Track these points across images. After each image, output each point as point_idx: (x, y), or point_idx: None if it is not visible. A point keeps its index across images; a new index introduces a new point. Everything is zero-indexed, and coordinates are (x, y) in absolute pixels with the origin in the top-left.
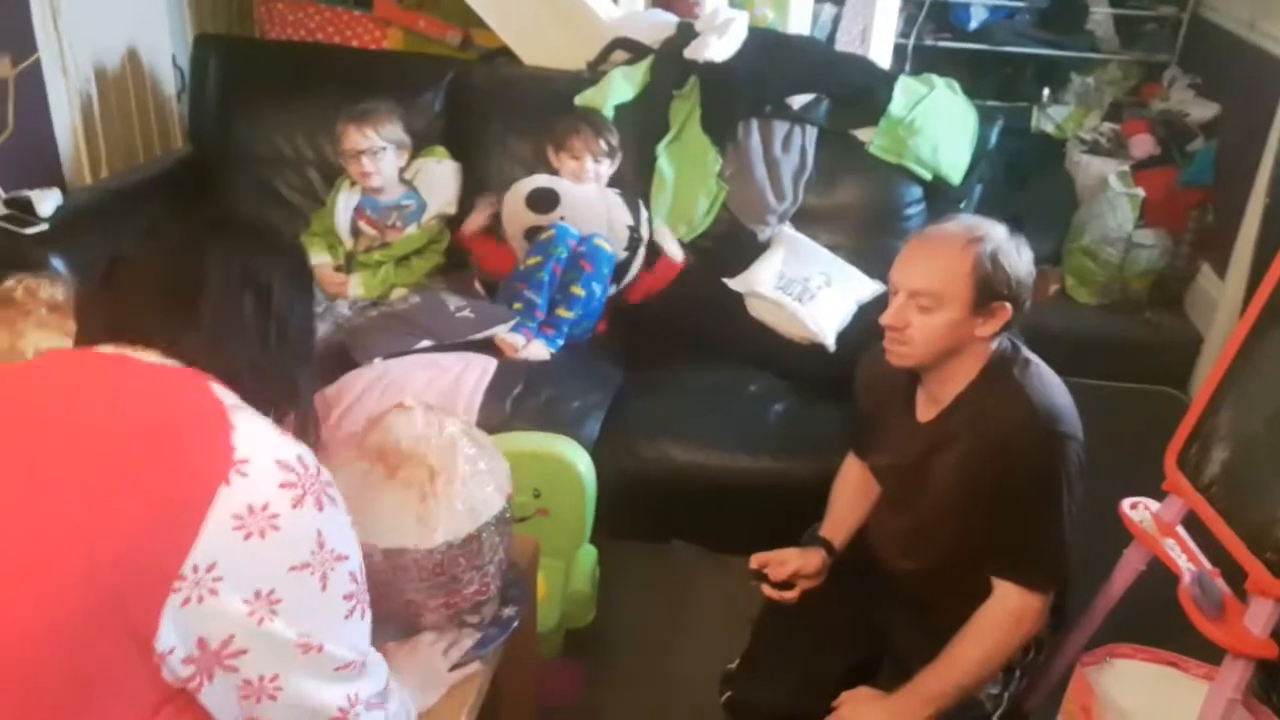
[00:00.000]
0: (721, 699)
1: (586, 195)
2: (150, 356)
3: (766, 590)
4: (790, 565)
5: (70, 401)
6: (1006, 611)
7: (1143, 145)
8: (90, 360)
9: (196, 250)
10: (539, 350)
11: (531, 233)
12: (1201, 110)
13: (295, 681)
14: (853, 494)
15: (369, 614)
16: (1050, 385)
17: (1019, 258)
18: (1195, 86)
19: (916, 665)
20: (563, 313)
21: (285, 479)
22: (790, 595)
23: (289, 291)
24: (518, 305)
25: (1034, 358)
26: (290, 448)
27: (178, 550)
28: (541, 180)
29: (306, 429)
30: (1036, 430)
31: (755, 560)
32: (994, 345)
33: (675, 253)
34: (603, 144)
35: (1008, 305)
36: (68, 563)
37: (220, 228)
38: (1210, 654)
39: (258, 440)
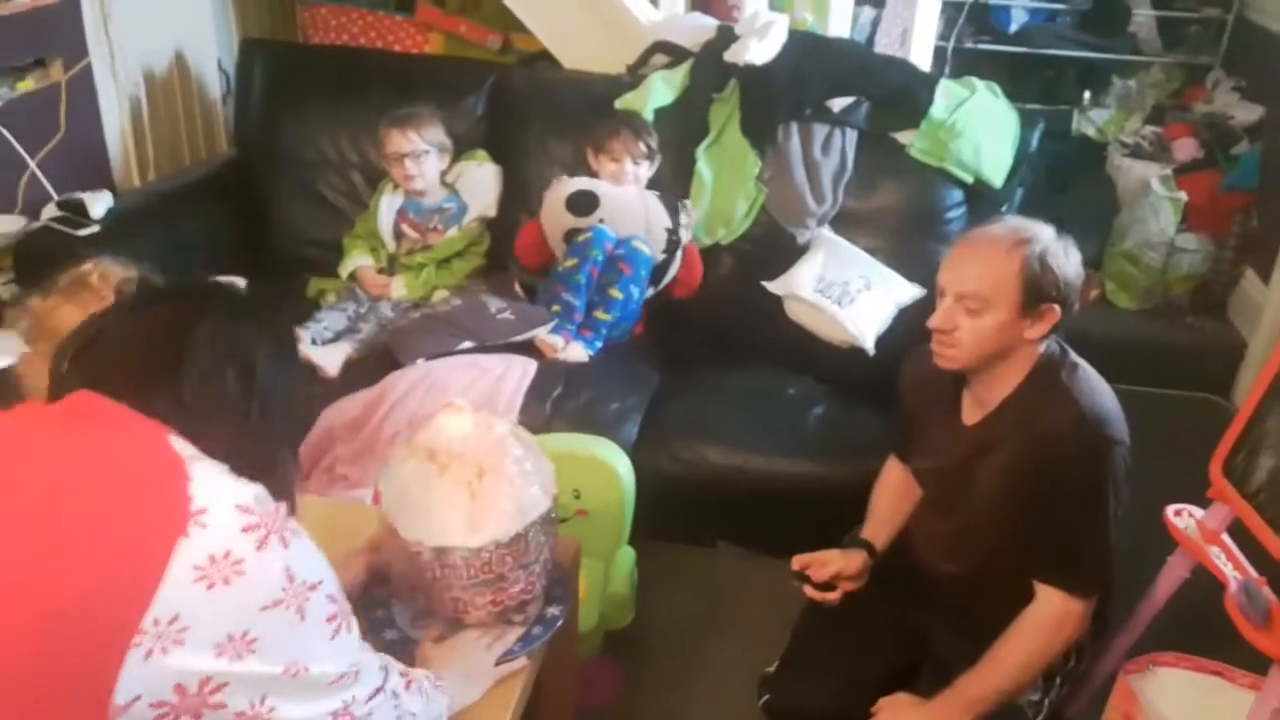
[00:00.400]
0: (760, 702)
1: (626, 198)
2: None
3: (808, 591)
4: (832, 566)
5: (27, 452)
6: (1049, 616)
7: (1185, 148)
8: (48, 412)
9: (180, 325)
10: (577, 352)
11: (570, 235)
12: (1246, 113)
13: (288, 703)
14: (894, 496)
15: (355, 624)
16: (1098, 390)
17: (1067, 259)
18: (1239, 89)
19: (957, 669)
20: (600, 315)
21: (246, 522)
22: (832, 597)
23: (274, 368)
24: (556, 308)
25: (1081, 362)
26: (247, 489)
27: (136, 605)
28: (581, 183)
29: (282, 497)
30: (1084, 434)
31: (797, 562)
32: (1041, 348)
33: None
34: (642, 146)
35: (1056, 307)
36: (16, 616)
37: (206, 300)
38: (1256, 664)
39: (215, 488)
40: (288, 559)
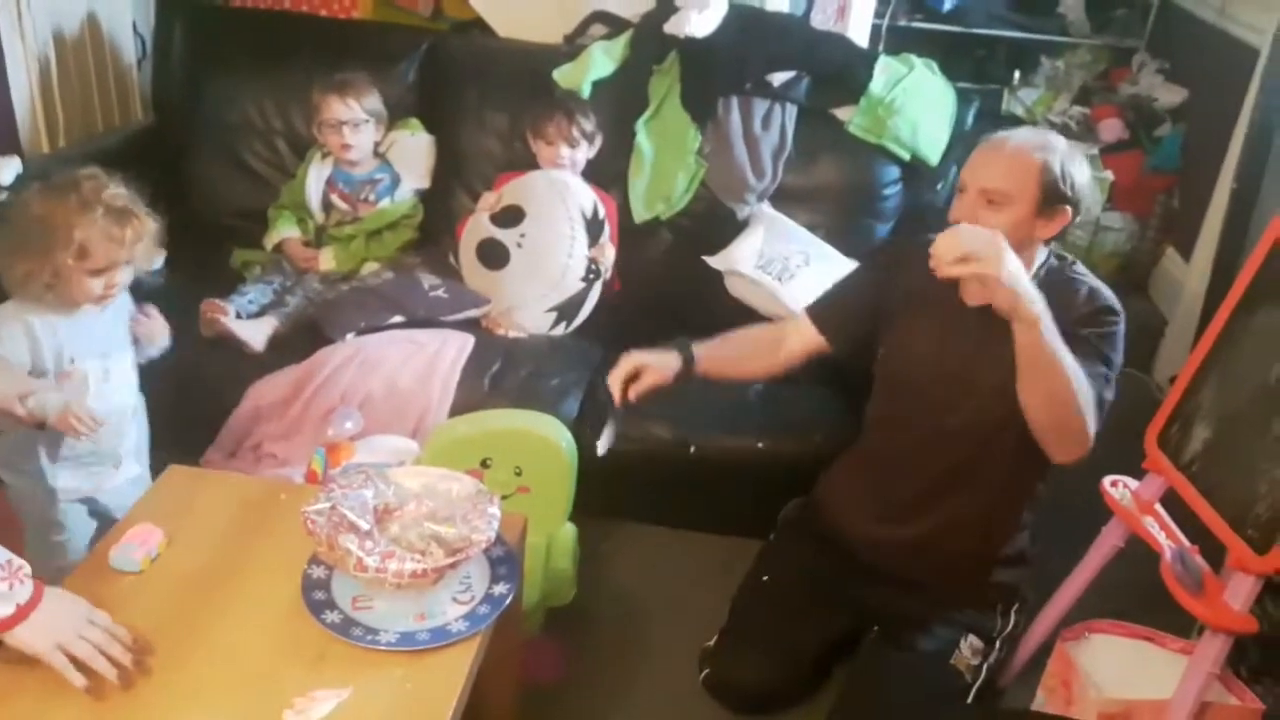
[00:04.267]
0: (700, 676)
1: (540, 246)
2: None
3: (611, 379)
4: (641, 358)
5: None
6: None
7: (1111, 129)
8: None
9: None
10: None
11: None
12: (1170, 95)
13: None
14: (759, 346)
15: None
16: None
17: (1080, 166)
18: (1164, 71)
19: (904, 624)
20: None
21: None
22: (632, 389)
23: None
24: None
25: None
26: None
27: None
28: (493, 229)
29: None
30: (1103, 308)
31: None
32: (1046, 254)
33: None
34: (576, 131)
35: (1068, 209)
36: None
37: None
38: (1183, 629)
39: None
40: None
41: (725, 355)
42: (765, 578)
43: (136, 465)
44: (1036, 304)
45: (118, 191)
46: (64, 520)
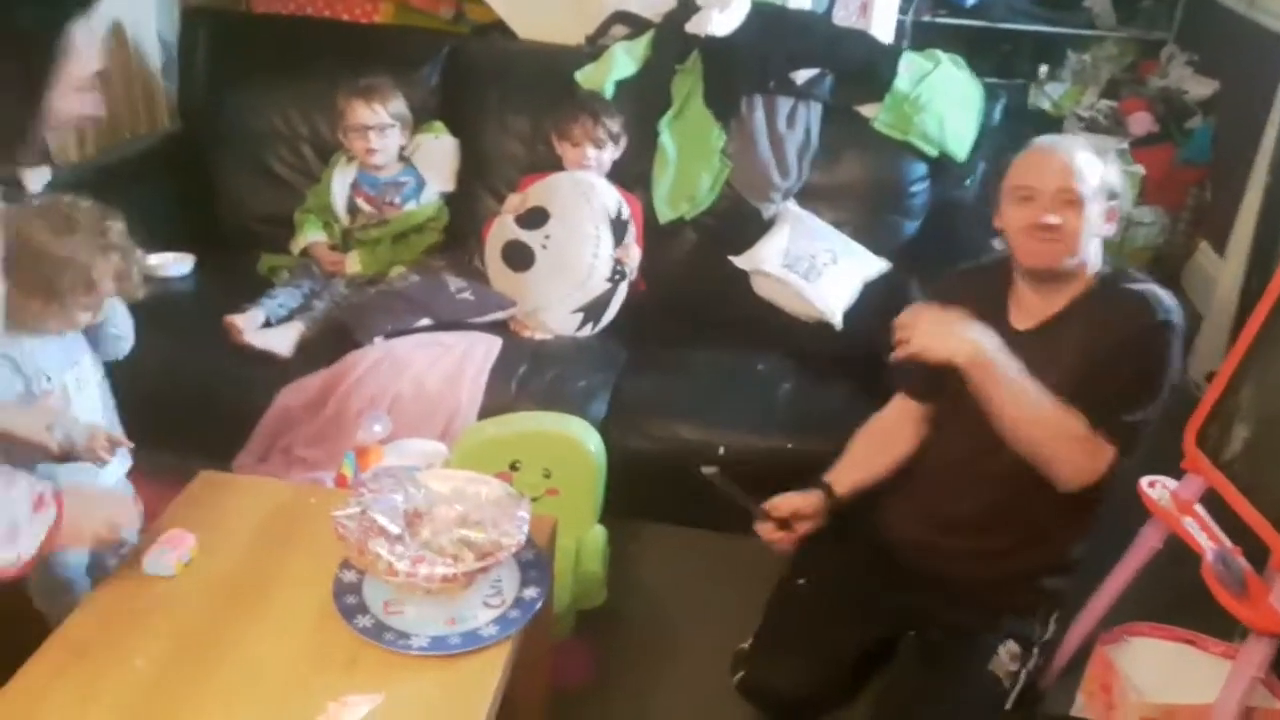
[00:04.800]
0: (734, 679)
1: (566, 249)
2: None
3: (762, 530)
4: (789, 503)
5: None
6: (1079, 430)
7: (1141, 123)
8: None
9: None
10: None
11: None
12: (1200, 88)
13: None
14: (875, 442)
15: None
16: (1157, 286)
17: (1119, 167)
18: (1193, 64)
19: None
20: None
21: None
22: (786, 536)
23: None
24: None
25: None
26: None
27: None
28: (518, 231)
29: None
30: (1163, 328)
31: (765, 507)
32: (1096, 259)
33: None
34: (602, 132)
35: (1118, 205)
36: None
37: None
38: (1223, 632)
39: None
40: None
41: (858, 464)
42: (801, 580)
43: (118, 464)
44: (987, 355)
45: (122, 227)
46: None
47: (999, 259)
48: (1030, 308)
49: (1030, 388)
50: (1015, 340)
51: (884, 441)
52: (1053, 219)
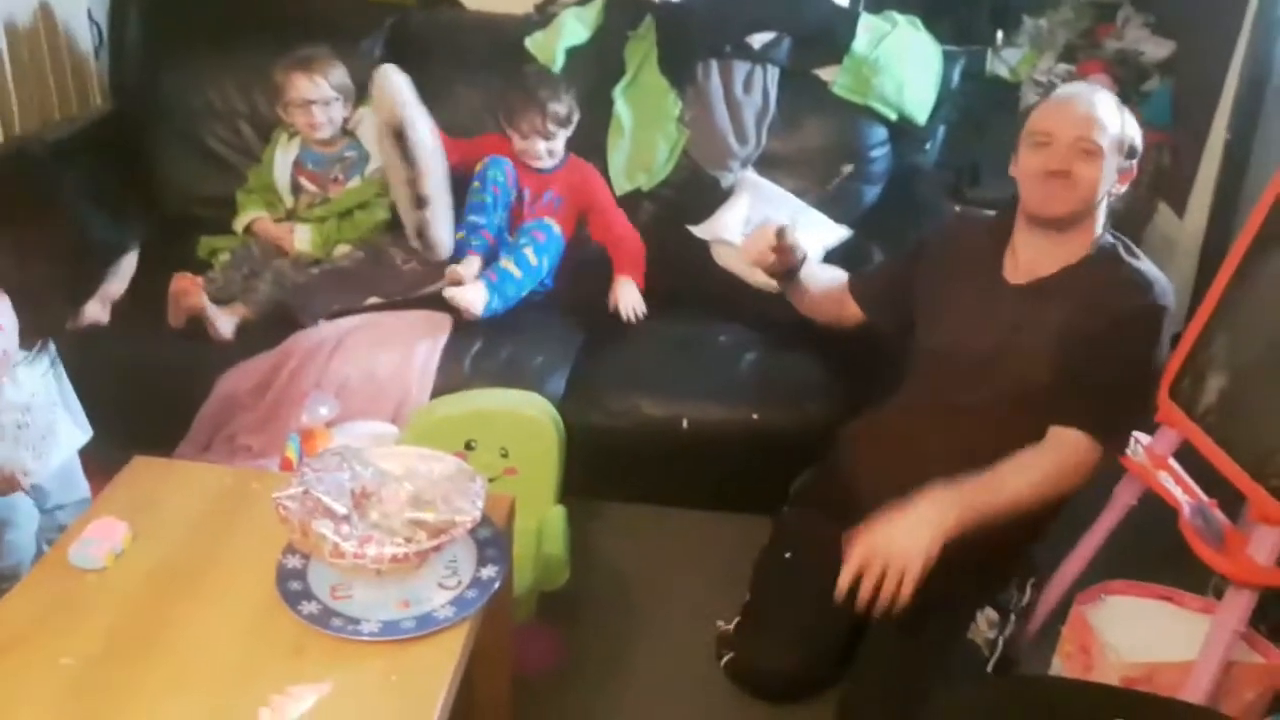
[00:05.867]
0: (721, 661)
1: None
2: None
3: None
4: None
5: None
6: (1068, 456)
7: (1099, 85)
8: None
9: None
10: (476, 294)
11: None
12: (1157, 49)
13: None
14: (823, 289)
15: None
16: (1155, 268)
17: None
18: (1149, 25)
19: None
20: (507, 264)
21: None
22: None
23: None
24: (459, 234)
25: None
26: None
27: None
28: None
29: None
30: (1152, 305)
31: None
32: (1100, 222)
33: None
34: (551, 124)
35: (1134, 165)
36: None
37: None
38: (1199, 585)
39: None
40: None
41: (809, 290)
42: (787, 555)
43: (77, 432)
44: (951, 524)
45: None
46: (12, 515)
47: (999, 213)
48: (1025, 263)
49: (1009, 481)
50: (1006, 294)
51: (829, 295)
52: (1064, 164)
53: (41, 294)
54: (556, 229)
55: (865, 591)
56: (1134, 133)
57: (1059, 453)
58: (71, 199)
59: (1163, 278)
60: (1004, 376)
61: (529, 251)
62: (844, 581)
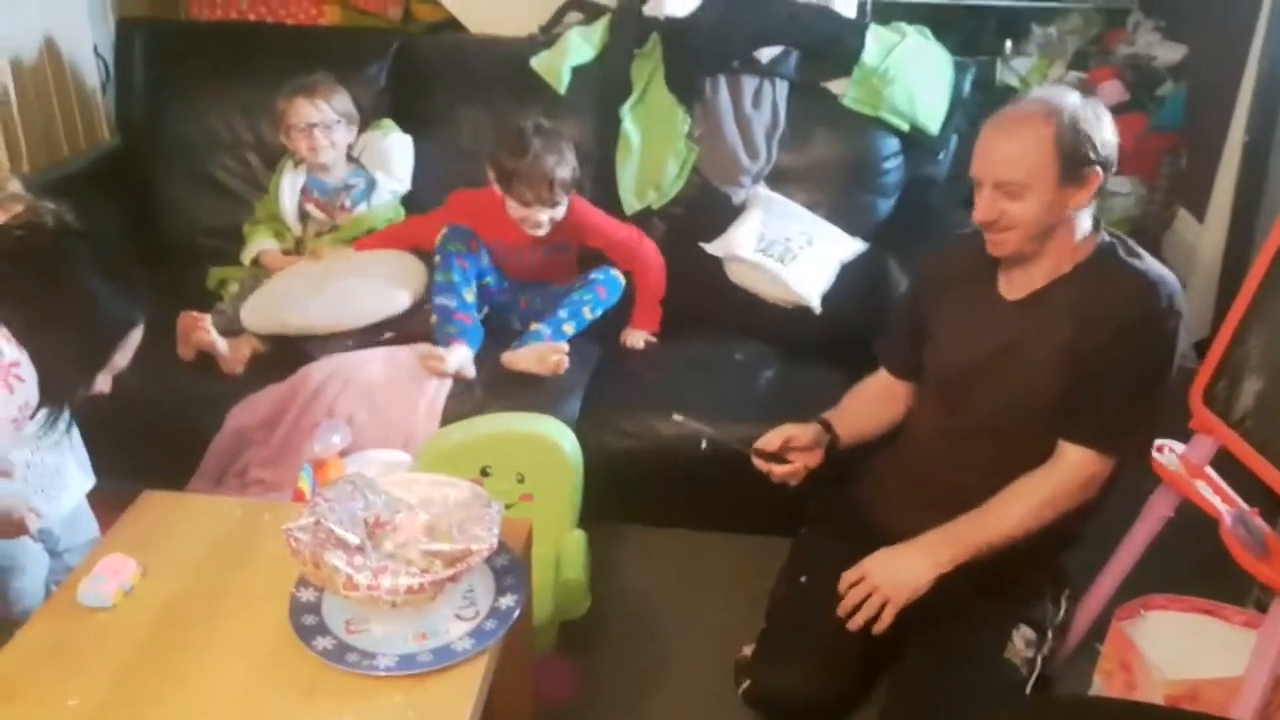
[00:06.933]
0: (740, 689)
1: None
2: None
3: (761, 464)
4: (783, 432)
5: None
6: (1074, 474)
7: (1111, 92)
8: None
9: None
10: (458, 357)
11: None
12: (1169, 53)
13: None
14: (865, 401)
15: None
16: (1160, 266)
17: (1099, 120)
18: (1160, 29)
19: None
20: (568, 328)
21: None
22: (786, 470)
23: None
24: (433, 319)
25: (1138, 248)
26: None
27: None
28: None
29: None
30: (1155, 310)
31: (757, 444)
32: (1090, 226)
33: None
34: (558, 193)
35: (1097, 169)
36: None
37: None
38: (1234, 598)
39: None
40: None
41: (851, 416)
42: (803, 579)
43: (84, 477)
44: (944, 560)
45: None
46: (22, 561)
47: None
48: (1018, 279)
49: (1010, 509)
50: (1005, 310)
51: (874, 403)
52: (989, 214)
53: (56, 365)
54: (619, 278)
55: (846, 605)
56: (1089, 135)
57: (1061, 473)
58: (86, 272)
59: (1169, 277)
60: (1008, 393)
61: (587, 311)
62: (847, 578)
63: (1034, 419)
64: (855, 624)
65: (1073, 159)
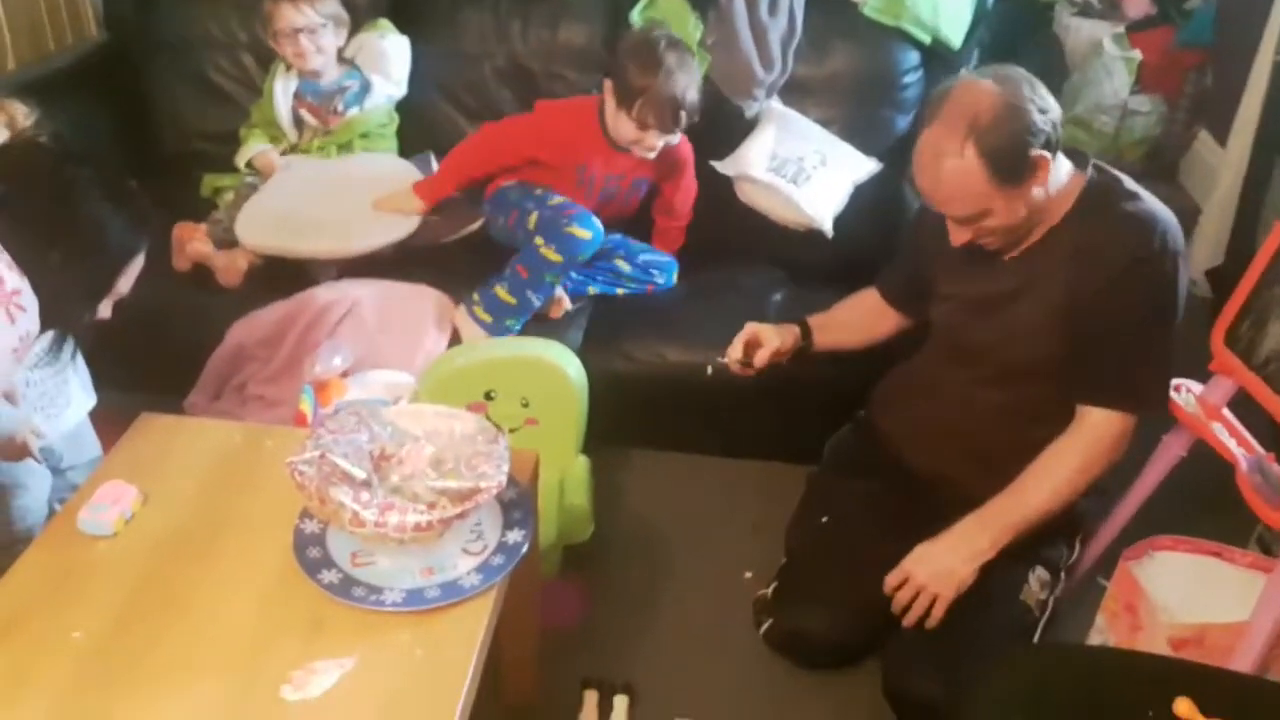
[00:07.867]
0: (760, 629)
1: None
2: None
3: (737, 369)
4: (749, 333)
5: None
6: (1102, 435)
7: (1137, 5)
8: None
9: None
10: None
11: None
12: None
13: None
14: (856, 315)
15: None
16: (1156, 206)
17: (1027, 104)
18: None
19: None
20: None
21: None
22: (749, 370)
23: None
24: (505, 288)
25: (1137, 187)
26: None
27: None
28: None
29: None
30: (1153, 254)
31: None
32: (1069, 169)
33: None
34: (685, 118)
35: (1044, 154)
36: None
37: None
38: (1236, 537)
39: None
40: None
41: (837, 327)
42: (824, 519)
43: (86, 397)
44: (985, 547)
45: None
46: (25, 478)
47: None
48: None
49: (1043, 485)
50: (1004, 268)
51: (864, 316)
52: (964, 237)
53: (61, 292)
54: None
55: (900, 601)
56: (1020, 131)
57: (1086, 438)
58: (91, 199)
59: (1162, 215)
60: (1012, 347)
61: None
62: (891, 581)
63: (1042, 373)
64: (909, 622)
65: (1010, 165)
